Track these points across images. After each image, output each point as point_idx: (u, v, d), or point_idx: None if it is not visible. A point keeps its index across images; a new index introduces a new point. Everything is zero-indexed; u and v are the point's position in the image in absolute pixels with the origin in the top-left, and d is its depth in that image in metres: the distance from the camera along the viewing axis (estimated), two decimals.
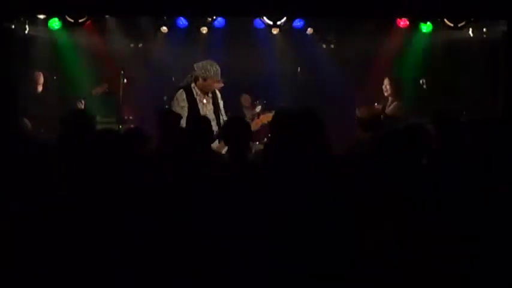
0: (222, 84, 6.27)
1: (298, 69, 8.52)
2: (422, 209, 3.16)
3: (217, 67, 6.10)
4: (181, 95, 6.06)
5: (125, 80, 7.90)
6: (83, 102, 7.40)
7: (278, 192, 3.32)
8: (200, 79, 6.08)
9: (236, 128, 4.16)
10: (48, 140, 4.94)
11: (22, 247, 3.15)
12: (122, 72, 7.90)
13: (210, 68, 6.07)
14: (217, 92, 6.24)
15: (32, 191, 3.37)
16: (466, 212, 3.22)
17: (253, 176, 3.67)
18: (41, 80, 7.73)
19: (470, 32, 7.97)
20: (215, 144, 5.24)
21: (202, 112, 6.02)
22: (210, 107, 6.15)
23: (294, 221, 3.18)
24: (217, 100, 6.20)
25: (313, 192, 3.35)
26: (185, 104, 6.01)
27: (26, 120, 7.13)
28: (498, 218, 3.23)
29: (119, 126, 7.46)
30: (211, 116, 5.96)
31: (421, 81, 7.54)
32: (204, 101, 6.14)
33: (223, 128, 4.25)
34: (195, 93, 6.09)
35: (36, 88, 7.69)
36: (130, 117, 7.97)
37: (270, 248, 3.14)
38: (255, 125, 6.07)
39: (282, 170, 3.58)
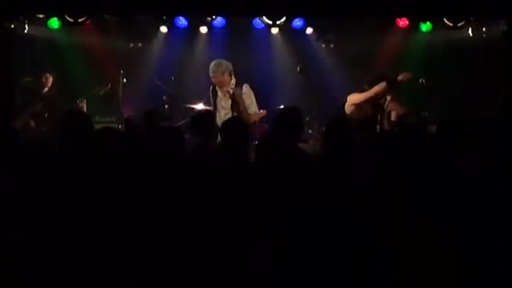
0: (222, 78, 6.59)
1: (298, 69, 8.52)
2: (422, 209, 3.16)
3: (212, 64, 6.55)
4: (210, 91, 6.84)
5: (125, 80, 7.91)
6: (84, 102, 7.41)
7: (277, 191, 3.32)
8: None
9: (235, 128, 4.16)
10: (48, 140, 4.95)
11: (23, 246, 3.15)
12: (122, 72, 7.92)
13: (210, 67, 6.60)
14: (245, 87, 6.64)
15: (31, 191, 3.37)
16: (467, 211, 3.22)
17: (253, 174, 3.67)
18: (48, 80, 7.75)
19: (470, 32, 7.97)
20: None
21: (219, 106, 6.70)
22: (228, 101, 6.63)
23: (294, 220, 3.18)
24: (239, 95, 6.58)
25: (311, 191, 3.35)
26: (211, 97, 6.80)
27: (30, 119, 7.16)
28: (500, 217, 3.23)
29: (118, 126, 7.47)
30: (227, 108, 6.60)
31: (420, 81, 7.53)
32: (222, 95, 6.68)
33: (222, 128, 4.25)
34: (217, 88, 6.70)
35: (42, 89, 7.71)
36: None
37: (270, 247, 3.14)
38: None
39: (278, 167, 3.58)
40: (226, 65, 6.60)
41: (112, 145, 3.85)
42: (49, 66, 8.03)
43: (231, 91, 6.56)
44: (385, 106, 6.96)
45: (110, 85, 7.84)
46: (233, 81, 6.65)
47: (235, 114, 6.45)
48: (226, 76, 6.61)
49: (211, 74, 6.59)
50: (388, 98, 7.00)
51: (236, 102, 6.55)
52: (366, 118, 6.09)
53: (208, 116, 5.08)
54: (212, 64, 6.60)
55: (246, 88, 6.66)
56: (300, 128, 4.70)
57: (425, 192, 3.27)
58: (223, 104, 6.67)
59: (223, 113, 6.62)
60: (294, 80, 8.63)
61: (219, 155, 4.16)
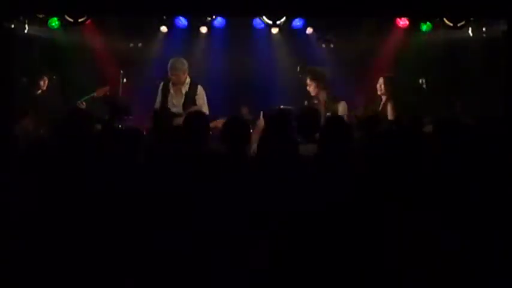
0: (181, 77, 6.80)
1: (298, 69, 8.50)
2: (422, 209, 3.16)
3: (172, 62, 6.81)
4: (160, 87, 6.96)
5: (125, 80, 7.90)
6: (84, 103, 7.41)
7: (277, 191, 3.32)
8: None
9: (235, 128, 4.17)
10: (48, 140, 4.95)
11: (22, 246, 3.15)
12: (122, 72, 7.91)
13: (169, 64, 6.83)
14: (200, 88, 6.86)
15: (31, 191, 3.37)
16: (466, 211, 3.22)
17: (253, 174, 3.67)
18: (45, 83, 7.75)
19: (470, 32, 7.96)
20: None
21: (169, 103, 6.80)
22: (180, 99, 6.82)
23: (294, 220, 3.18)
24: (193, 96, 6.80)
25: (311, 191, 3.35)
26: (160, 94, 6.93)
27: (27, 120, 7.14)
28: (500, 217, 3.23)
29: (118, 126, 7.46)
30: (178, 106, 6.76)
31: (420, 81, 7.52)
32: (175, 93, 6.86)
33: (223, 127, 4.25)
34: (170, 86, 6.87)
35: (37, 90, 7.70)
36: (130, 117, 7.96)
37: (270, 247, 3.13)
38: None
39: (278, 167, 3.57)
40: (186, 63, 6.80)
41: (112, 145, 3.86)
42: (49, 67, 8.01)
43: (186, 90, 6.68)
44: (381, 106, 7.00)
45: (109, 88, 7.82)
46: (188, 80, 6.82)
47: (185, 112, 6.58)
48: (186, 75, 6.79)
49: (174, 72, 6.73)
50: (384, 98, 7.03)
51: (189, 101, 6.70)
52: (369, 117, 6.10)
53: (202, 117, 5.09)
54: (174, 61, 6.76)
55: (200, 89, 6.84)
56: (316, 128, 4.75)
57: (425, 192, 3.27)
58: (175, 102, 6.80)
59: (175, 111, 6.72)
60: (294, 80, 8.62)
61: (219, 155, 4.16)
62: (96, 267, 3.11)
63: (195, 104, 6.78)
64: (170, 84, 6.88)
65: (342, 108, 6.71)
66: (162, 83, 6.98)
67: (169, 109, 6.46)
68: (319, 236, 3.13)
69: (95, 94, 7.56)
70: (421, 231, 3.07)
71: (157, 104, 6.92)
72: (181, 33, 8.37)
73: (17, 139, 3.98)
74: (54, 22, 7.71)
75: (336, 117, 4.36)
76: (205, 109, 6.72)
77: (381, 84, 7.08)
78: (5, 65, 7.08)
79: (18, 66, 7.55)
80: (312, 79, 7.00)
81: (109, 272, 3.11)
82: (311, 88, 6.99)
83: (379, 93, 7.10)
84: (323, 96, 6.93)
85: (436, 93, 7.74)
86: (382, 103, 7.04)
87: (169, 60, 8.40)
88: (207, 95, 7.12)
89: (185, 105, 6.76)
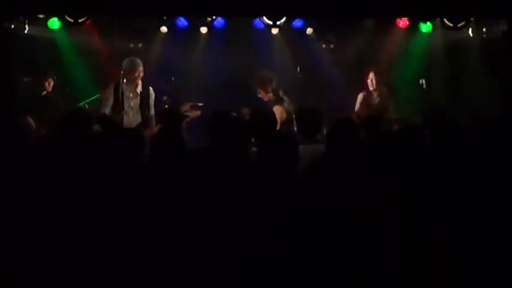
0: (140, 76, 6.77)
1: (298, 69, 8.52)
2: (423, 209, 3.16)
3: (131, 60, 6.76)
4: (109, 89, 6.76)
5: (125, 80, 7.90)
6: (86, 106, 7.41)
7: (277, 191, 3.32)
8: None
9: (235, 128, 4.17)
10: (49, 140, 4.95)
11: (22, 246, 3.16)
12: (122, 72, 7.90)
13: (123, 64, 6.75)
14: (151, 88, 6.87)
15: (31, 191, 3.37)
16: (466, 211, 3.22)
17: (253, 174, 3.67)
18: (50, 84, 7.75)
19: (470, 32, 7.96)
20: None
21: (126, 105, 6.66)
22: (136, 101, 6.74)
23: (294, 220, 3.18)
24: (147, 96, 6.77)
25: (311, 191, 3.35)
26: (111, 96, 6.67)
27: (30, 120, 7.14)
28: (499, 217, 3.23)
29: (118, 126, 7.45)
30: (135, 108, 6.69)
31: (420, 81, 7.53)
32: (130, 94, 6.74)
33: (224, 127, 4.25)
34: (124, 87, 6.68)
35: (43, 90, 7.71)
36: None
37: (270, 247, 3.14)
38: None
39: (278, 167, 3.58)
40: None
41: (112, 145, 3.86)
42: (49, 67, 8.02)
43: (140, 91, 6.64)
44: (376, 101, 7.02)
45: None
46: (140, 81, 6.78)
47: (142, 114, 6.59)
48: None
49: (135, 69, 6.64)
50: (376, 93, 7.06)
51: (144, 102, 6.65)
52: (372, 117, 6.10)
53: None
54: (133, 60, 6.72)
55: (151, 89, 6.85)
56: (317, 128, 4.75)
57: (425, 192, 3.27)
58: (132, 104, 6.70)
59: (132, 114, 6.68)
60: (294, 80, 8.63)
61: (219, 155, 4.16)
62: (97, 267, 3.12)
63: (149, 105, 6.76)
64: (123, 85, 6.69)
65: (276, 112, 6.08)
66: (109, 87, 6.80)
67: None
68: (320, 236, 3.13)
69: (100, 96, 7.57)
70: (421, 231, 3.08)
71: (107, 109, 6.63)
72: (181, 33, 8.36)
73: (18, 139, 3.98)
74: (54, 22, 7.70)
75: (344, 119, 4.35)
76: (152, 110, 6.73)
77: (371, 78, 7.09)
78: (5, 65, 7.08)
79: (18, 67, 7.54)
80: (257, 85, 6.86)
81: (109, 272, 3.11)
82: (260, 94, 6.87)
83: (371, 88, 7.11)
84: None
85: (436, 93, 7.75)
86: (377, 99, 7.04)
87: (169, 60, 8.44)
88: (207, 95, 7.11)
89: (142, 107, 6.71)
